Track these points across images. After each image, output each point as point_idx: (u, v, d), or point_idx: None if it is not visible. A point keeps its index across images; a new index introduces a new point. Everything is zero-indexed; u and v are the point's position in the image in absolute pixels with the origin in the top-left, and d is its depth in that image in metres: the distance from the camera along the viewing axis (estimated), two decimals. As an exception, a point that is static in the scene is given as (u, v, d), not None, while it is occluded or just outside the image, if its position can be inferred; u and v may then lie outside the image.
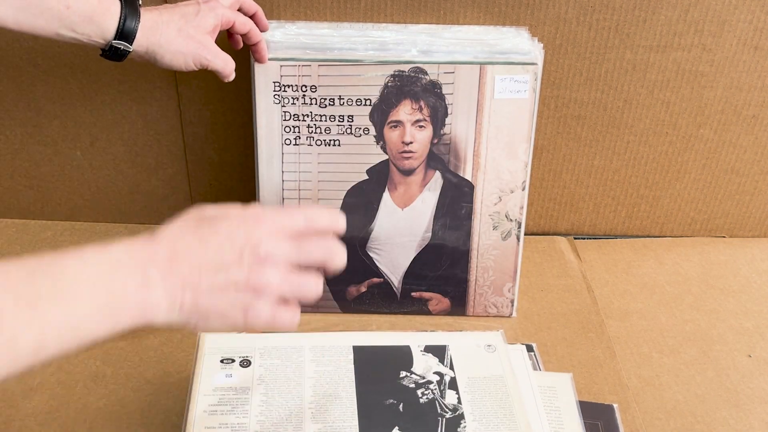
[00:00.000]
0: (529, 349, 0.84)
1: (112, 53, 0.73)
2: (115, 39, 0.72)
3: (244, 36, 0.80)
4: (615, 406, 0.79)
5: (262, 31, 0.83)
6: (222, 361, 0.79)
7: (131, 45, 0.72)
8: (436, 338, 0.84)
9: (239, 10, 0.81)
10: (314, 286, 0.56)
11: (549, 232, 1.08)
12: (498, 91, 0.83)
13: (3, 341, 0.43)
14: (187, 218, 0.55)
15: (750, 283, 1.00)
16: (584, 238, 1.07)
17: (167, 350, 0.85)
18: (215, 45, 0.77)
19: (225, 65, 0.78)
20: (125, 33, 0.72)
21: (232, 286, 0.53)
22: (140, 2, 0.74)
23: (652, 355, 0.87)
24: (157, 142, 1.00)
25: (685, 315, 0.94)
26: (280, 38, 0.85)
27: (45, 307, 0.45)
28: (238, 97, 0.94)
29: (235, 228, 0.54)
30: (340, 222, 0.58)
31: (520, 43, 0.85)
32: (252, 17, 0.82)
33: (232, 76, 0.79)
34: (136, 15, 0.72)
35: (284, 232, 0.55)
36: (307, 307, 0.65)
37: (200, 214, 0.55)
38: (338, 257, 0.56)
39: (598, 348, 0.88)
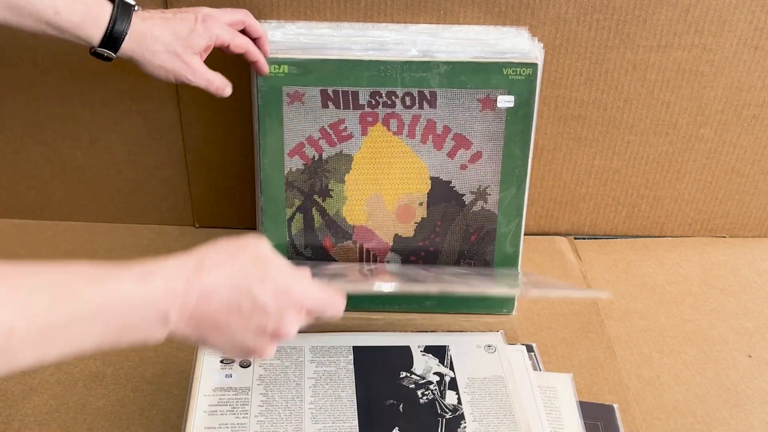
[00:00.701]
0: (529, 349, 0.84)
1: (96, 55, 0.74)
2: (99, 46, 0.72)
3: (242, 56, 0.80)
4: (615, 406, 0.79)
5: (259, 73, 0.83)
6: (222, 362, 0.79)
7: (116, 53, 0.73)
8: (436, 339, 0.84)
9: (242, 31, 0.81)
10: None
11: (549, 232, 1.07)
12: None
13: (8, 357, 0.45)
14: (239, 261, 0.56)
15: (750, 283, 1.00)
16: (584, 238, 1.07)
17: (167, 350, 0.85)
18: (202, 65, 0.77)
19: (208, 84, 0.78)
20: (111, 41, 0.72)
21: (236, 347, 0.57)
22: (137, 7, 0.74)
23: (652, 355, 0.87)
24: (157, 142, 1.00)
25: (685, 315, 0.94)
26: (280, 38, 0.85)
27: (55, 336, 0.47)
28: (238, 97, 0.93)
29: (278, 302, 0.56)
30: (340, 314, 0.62)
31: (520, 43, 0.85)
32: (255, 41, 0.81)
33: (223, 93, 0.79)
34: (126, 22, 0.72)
35: (305, 311, 0.59)
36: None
37: (251, 262, 0.57)
38: (336, 317, 0.62)
39: (598, 348, 0.88)
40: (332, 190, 0.87)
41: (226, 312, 0.54)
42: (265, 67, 0.82)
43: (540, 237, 1.06)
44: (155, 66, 0.75)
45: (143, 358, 0.84)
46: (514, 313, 0.92)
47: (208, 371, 0.78)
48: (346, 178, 0.87)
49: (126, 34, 0.72)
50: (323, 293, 0.60)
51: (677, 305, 0.95)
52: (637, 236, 1.08)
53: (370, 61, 0.82)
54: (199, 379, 0.77)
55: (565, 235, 1.08)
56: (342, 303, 0.62)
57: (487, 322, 0.91)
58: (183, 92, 0.95)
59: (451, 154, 0.86)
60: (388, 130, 0.85)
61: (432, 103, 0.84)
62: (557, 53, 0.91)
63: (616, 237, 1.08)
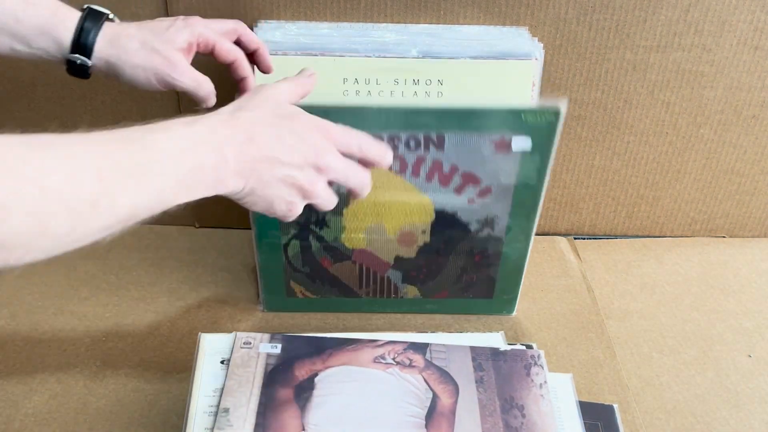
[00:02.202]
0: (529, 349, 0.84)
1: (72, 68, 0.68)
2: (71, 52, 0.67)
3: (229, 67, 0.73)
4: (615, 406, 0.79)
5: (264, 71, 0.76)
6: (222, 362, 0.79)
7: (89, 59, 0.67)
8: (437, 339, 0.84)
9: (237, 43, 0.74)
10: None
11: (549, 232, 1.07)
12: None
13: (106, 203, 0.47)
14: (266, 103, 0.60)
15: (750, 283, 1.00)
16: (584, 238, 1.07)
17: (167, 350, 0.85)
18: (187, 64, 0.69)
19: (197, 86, 0.69)
20: (81, 45, 0.67)
21: (289, 183, 0.59)
22: (111, 16, 0.69)
23: (652, 355, 0.87)
24: (157, 142, 0.99)
25: (685, 315, 0.94)
26: (280, 38, 0.85)
27: (139, 176, 0.49)
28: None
29: (308, 134, 0.60)
30: (388, 157, 0.66)
31: (520, 43, 0.85)
32: (252, 54, 0.75)
33: (210, 101, 0.71)
34: (96, 28, 0.67)
35: (343, 150, 0.62)
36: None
37: (276, 99, 0.62)
38: (366, 190, 0.65)
39: (598, 348, 0.88)
40: (329, 220, 0.83)
41: (273, 142, 0.58)
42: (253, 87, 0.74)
43: (540, 237, 1.06)
44: (133, 67, 0.68)
45: (143, 358, 0.84)
46: (514, 313, 0.92)
47: (208, 372, 0.78)
48: (344, 212, 0.83)
49: (98, 34, 0.67)
50: (350, 130, 0.63)
51: (677, 305, 0.95)
52: (637, 236, 1.08)
53: (374, 108, 0.74)
54: (199, 380, 0.77)
55: (565, 235, 1.08)
56: (375, 146, 0.64)
57: (487, 322, 0.91)
58: (183, 93, 0.95)
59: (458, 191, 0.80)
60: (390, 169, 0.78)
61: (439, 146, 0.77)
62: (557, 53, 0.92)
63: (616, 237, 1.08)
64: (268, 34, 0.84)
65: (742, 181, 1.03)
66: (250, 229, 0.83)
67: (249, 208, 0.61)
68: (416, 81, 0.83)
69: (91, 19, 0.67)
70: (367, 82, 0.83)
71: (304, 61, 0.81)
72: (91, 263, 0.97)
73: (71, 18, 0.67)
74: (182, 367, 0.82)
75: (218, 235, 1.03)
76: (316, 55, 0.82)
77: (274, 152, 0.58)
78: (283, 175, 0.59)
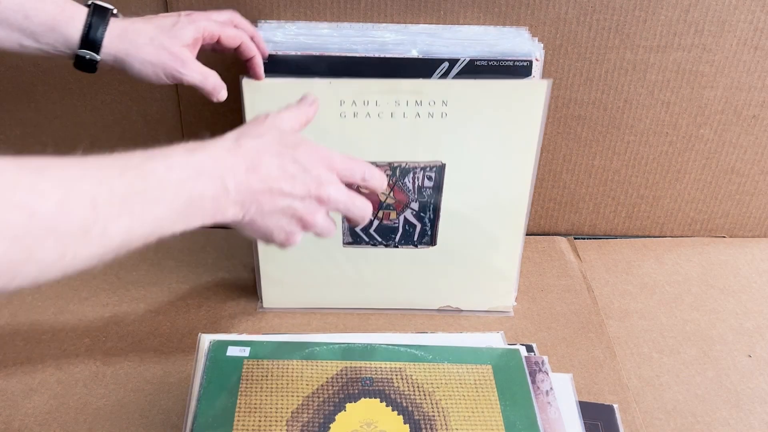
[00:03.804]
0: (529, 349, 0.84)
1: (79, 63, 0.70)
2: (80, 48, 0.69)
3: (236, 51, 0.76)
4: (615, 406, 0.79)
5: (253, 77, 0.78)
6: None
7: (98, 54, 0.69)
8: (436, 339, 0.84)
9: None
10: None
11: (549, 232, 1.08)
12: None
13: (98, 231, 0.46)
14: (270, 132, 0.60)
15: (750, 283, 1.00)
16: (584, 238, 1.07)
17: (167, 350, 0.85)
18: (193, 59, 0.72)
19: (204, 79, 0.72)
20: (90, 41, 0.69)
21: (290, 214, 0.59)
22: (115, 11, 0.71)
23: (652, 355, 0.87)
24: (157, 142, 0.99)
25: (685, 315, 0.94)
26: (281, 38, 0.85)
27: (134, 205, 0.49)
28: (239, 97, 0.93)
29: (311, 164, 0.59)
30: (384, 184, 0.65)
31: (520, 43, 0.85)
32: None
33: (220, 95, 0.74)
34: (104, 23, 0.69)
35: (345, 180, 0.62)
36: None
37: (280, 128, 0.61)
38: (366, 219, 0.64)
39: (598, 348, 0.88)
40: None
41: (275, 172, 0.57)
42: (261, 69, 0.77)
43: (540, 237, 1.06)
44: (141, 62, 0.70)
45: (143, 358, 0.84)
46: (512, 304, 0.92)
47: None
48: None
49: (105, 29, 0.69)
50: (353, 158, 0.63)
51: (677, 305, 0.95)
52: (637, 236, 1.08)
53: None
54: (200, 380, 0.77)
55: (565, 235, 1.08)
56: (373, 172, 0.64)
57: (487, 322, 0.91)
58: (183, 92, 0.95)
59: None
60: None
61: None
62: (557, 53, 0.92)
63: (616, 237, 1.08)
64: (268, 34, 0.84)
65: (742, 181, 1.03)
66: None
67: (246, 235, 0.61)
68: (419, 102, 0.80)
69: (98, 15, 0.69)
70: (366, 104, 0.79)
71: (301, 85, 0.77)
72: (91, 263, 0.97)
73: (79, 14, 0.69)
74: (182, 367, 0.82)
75: (218, 235, 1.03)
76: (312, 77, 0.79)
77: (276, 183, 0.57)
78: (284, 205, 0.58)
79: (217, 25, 0.74)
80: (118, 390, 0.80)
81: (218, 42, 0.74)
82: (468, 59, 0.80)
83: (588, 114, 0.97)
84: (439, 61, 0.80)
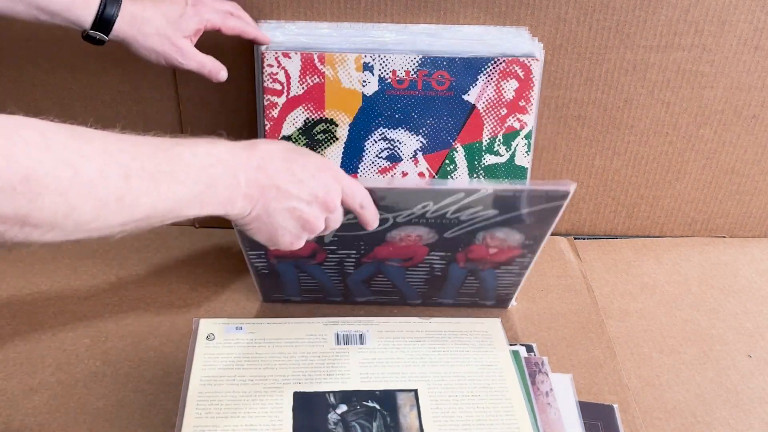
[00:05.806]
0: (529, 349, 0.84)
1: (88, 38, 0.76)
2: (92, 29, 0.75)
3: (239, 36, 0.82)
4: (615, 406, 0.79)
5: (261, 44, 0.84)
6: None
7: (107, 35, 0.76)
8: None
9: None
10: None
11: (549, 232, 1.07)
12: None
13: (129, 201, 0.50)
14: (281, 142, 0.64)
15: (750, 283, 1.00)
16: (584, 238, 1.07)
17: (167, 350, 0.85)
18: (193, 48, 0.79)
19: (200, 67, 0.80)
20: (102, 23, 0.75)
21: (296, 216, 0.62)
22: None
23: (652, 355, 0.87)
24: (157, 142, 0.99)
25: (685, 315, 0.94)
26: (281, 38, 0.85)
27: (161, 183, 0.53)
28: (238, 97, 0.93)
29: (319, 172, 0.62)
30: (375, 224, 0.68)
31: (520, 43, 0.85)
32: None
33: (220, 75, 0.81)
34: (117, 8, 0.75)
35: (345, 201, 0.65)
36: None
37: (293, 145, 0.65)
38: (374, 225, 0.68)
39: (598, 348, 0.88)
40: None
41: (284, 174, 0.60)
42: (264, 35, 0.83)
43: (540, 237, 1.06)
44: (146, 48, 0.77)
45: (143, 358, 0.84)
46: (513, 304, 0.92)
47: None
48: None
49: (117, 15, 0.75)
50: (358, 183, 0.66)
51: (677, 305, 0.95)
52: (637, 236, 1.08)
53: None
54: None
55: (565, 235, 1.08)
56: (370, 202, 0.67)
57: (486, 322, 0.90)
58: (183, 92, 0.95)
59: None
60: None
61: None
62: (557, 53, 0.92)
63: (616, 237, 1.08)
64: (268, 34, 0.84)
65: (742, 181, 1.03)
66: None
67: (252, 236, 0.63)
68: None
69: (111, 2, 0.74)
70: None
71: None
72: (91, 263, 0.97)
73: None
74: (182, 367, 0.82)
75: (218, 235, 1.03)
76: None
77: (283, 183, 0.60)
78: (290, 206, 0.61)
79: (219, 17, 0.80)
80: (118, 390, 0.80)
81: (219, 31, 0.81)
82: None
83: (588, 114, 0.97)
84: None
